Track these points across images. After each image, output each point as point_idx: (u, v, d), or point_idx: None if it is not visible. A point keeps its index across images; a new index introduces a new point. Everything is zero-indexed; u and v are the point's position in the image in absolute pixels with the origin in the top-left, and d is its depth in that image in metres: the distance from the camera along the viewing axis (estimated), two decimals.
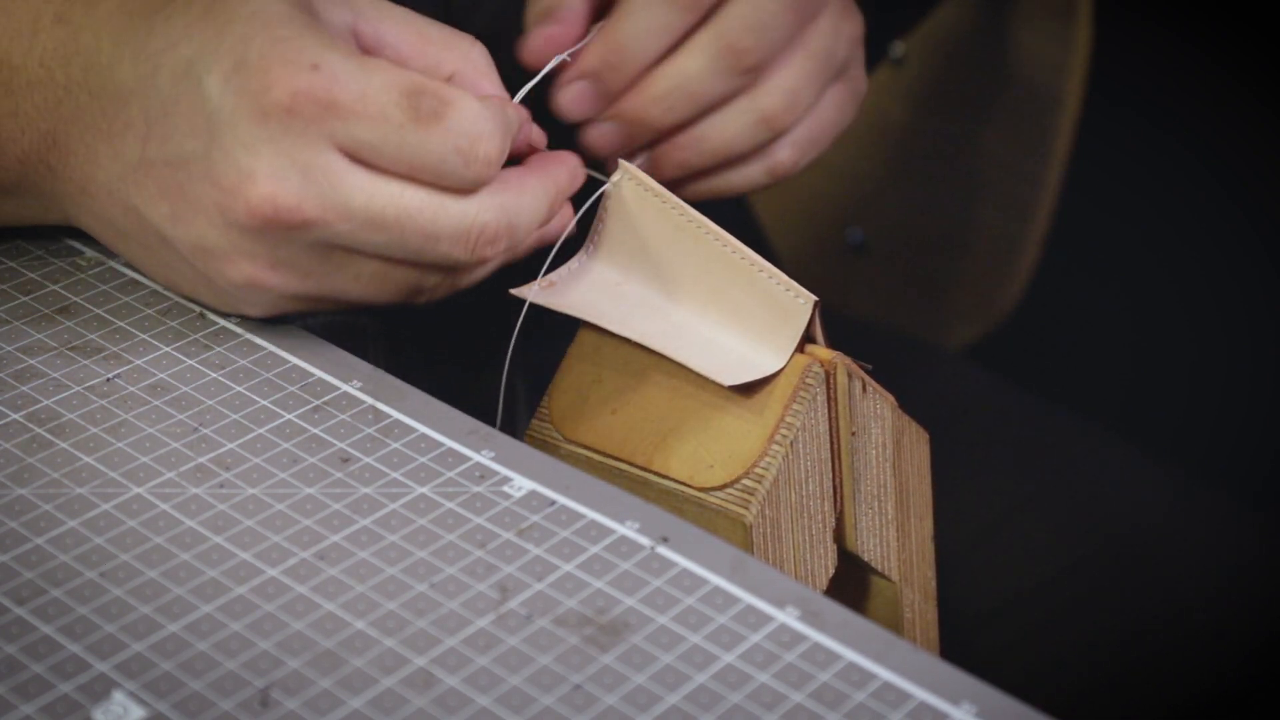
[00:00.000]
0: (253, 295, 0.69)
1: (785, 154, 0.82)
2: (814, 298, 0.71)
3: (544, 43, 0.77)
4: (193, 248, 0.68)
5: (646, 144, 0.79)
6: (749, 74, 0.79)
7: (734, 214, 1.10)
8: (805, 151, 0.82)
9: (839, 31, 0.83)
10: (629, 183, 0.74)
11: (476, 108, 0.67)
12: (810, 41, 0.81)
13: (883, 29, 0.87)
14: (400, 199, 0.66)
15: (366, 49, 0.70)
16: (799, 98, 0.81)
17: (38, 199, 0.72)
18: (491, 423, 0.69)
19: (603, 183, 0.74)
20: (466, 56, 0.70)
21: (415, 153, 0.66)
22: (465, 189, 0.67)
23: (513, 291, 0.72)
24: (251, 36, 0.65)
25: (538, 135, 0.73)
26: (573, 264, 0.74)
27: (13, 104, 0.70)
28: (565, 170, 0.72)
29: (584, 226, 0.74)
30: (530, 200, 0.70)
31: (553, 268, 0.74)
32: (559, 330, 0.75)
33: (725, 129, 0.79)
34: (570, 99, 0.77)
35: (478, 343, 0.91)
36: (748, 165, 0.81)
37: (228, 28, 0.66)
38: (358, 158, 0.66)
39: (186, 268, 0.70)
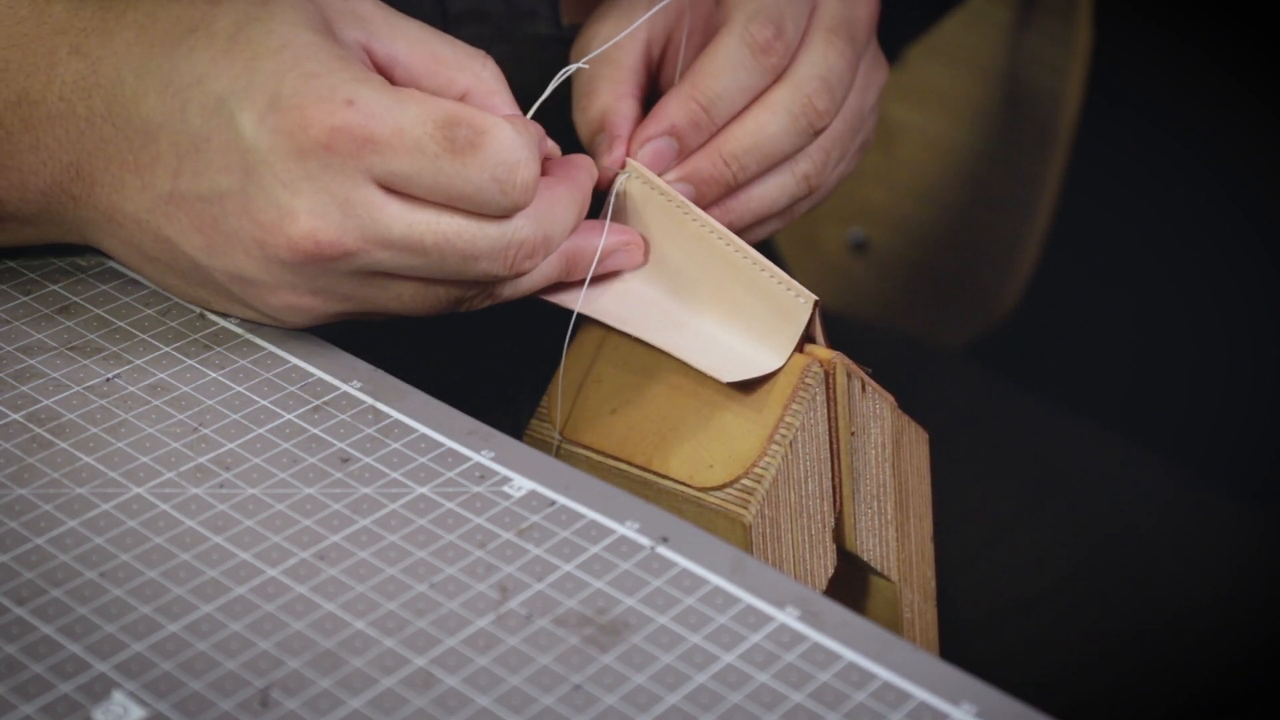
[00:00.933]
0: (292, 316, 0.70)
1: (802, 207, 0.82)
2: (814, 297, 0.71)
3: (613, 165, 0.77)
4: (230, 277, 0.69)
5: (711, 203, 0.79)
6: (819, 135, 0.79)
7: None
8: (816, 205, 0.83)
9: (869, 84, 0.83)
10: (635, 181, 0.74)
11: (511, 135, 0.67)
12: (848, 99, 0.81)
13: (886, 45, 0.87)
14: (438, 225, 0.67)
15: (379, 67, 0.70)
16: (832, 157, 0.81)
17: (59, 226, 0.72)
18: (486, 418, 0.69)
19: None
20: (478, 76, 0.71)
21: (452, 183, 0.66)
22: (503, 215, 0.68)
23: None
24: (283, 73, 0.66)
25: (552, 146, 0.73)
26: None
27: (33, 138, 0.70)
28: (586, 173, 0.72)
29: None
30: (562, 210, 0.70)
31: None
32: (558, 330, 0.75)
33: (769, 191, 0.79)
34: (652, 155, 0.76)
35: (475, 338, 0.91)
36: (772, 220, 0.82)
37: (256, 63, 0.66)
38: (395, 189, 0.66)
39: (222, 291, 0.70)
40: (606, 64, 0.78)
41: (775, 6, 0.78)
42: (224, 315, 0.73)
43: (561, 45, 0.85)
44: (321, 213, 0.66)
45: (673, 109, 0.76)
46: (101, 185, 0.69)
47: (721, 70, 0.77)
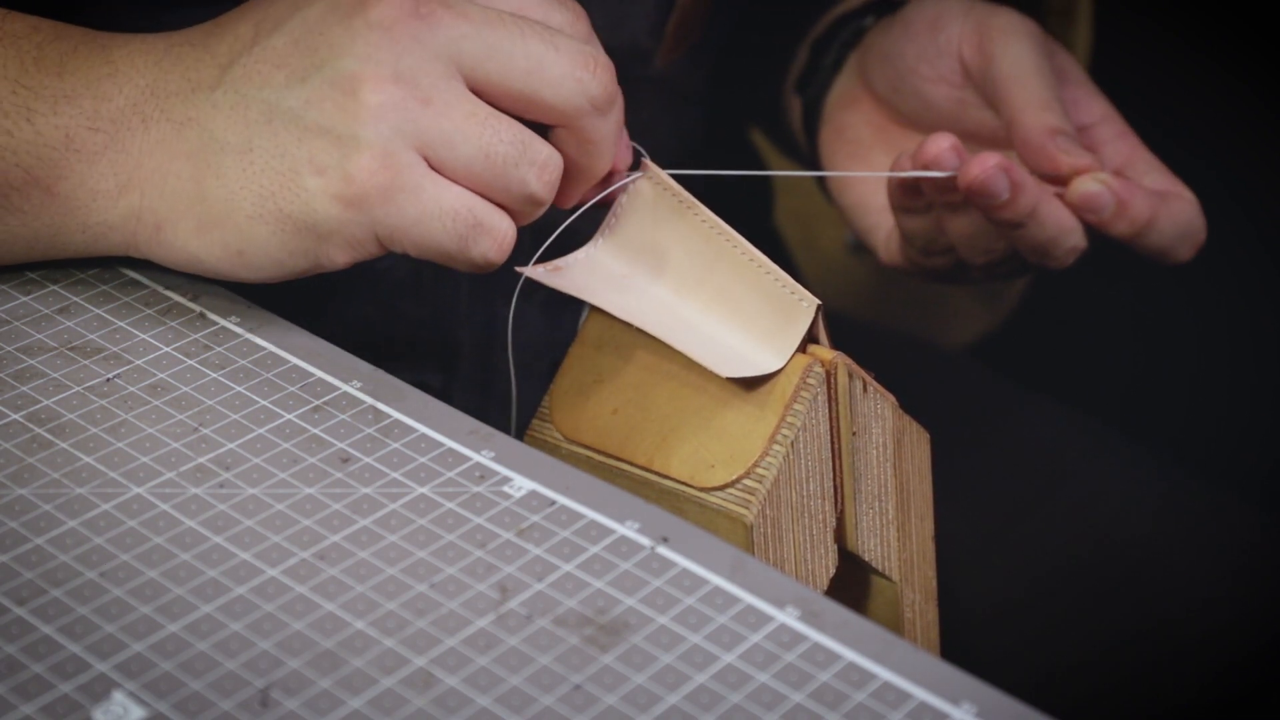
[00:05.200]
0: (368, 130, 0.67)
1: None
2: (817, 301, 0.71)
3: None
4: (310, 98, 0.68)
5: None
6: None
7: (753, 218, 1.12)
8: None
9: None
10: (647, 180, 0.74)
11: None
12: None
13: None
14: (517, 18, 0.68)
15: None
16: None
17: (114, 170, 0.70)
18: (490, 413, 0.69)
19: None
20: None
21: None
22: (569, 30, 0.69)
23: (518, 269, 0.72)
24: None
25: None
26: (579, 254, 0.74)
27: (112, 68, 0.71)
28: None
29: (595, 220, 0.74)
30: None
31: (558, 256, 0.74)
32: (560, 329, 0.75)
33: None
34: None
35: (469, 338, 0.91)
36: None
37: None
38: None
39: (289, 151, 0.68)
40: None
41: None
42: (224, 315, 0.73)
43: (649, 86, 0.86)
44: None
45: (1143, 201, 0.87)
46: (176, 94, 0.70)
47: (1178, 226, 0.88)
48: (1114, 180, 0.89)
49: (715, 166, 0.80)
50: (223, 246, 0.70)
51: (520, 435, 0.73)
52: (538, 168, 0.68)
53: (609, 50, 0.71)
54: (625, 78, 0.72)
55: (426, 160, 0.67)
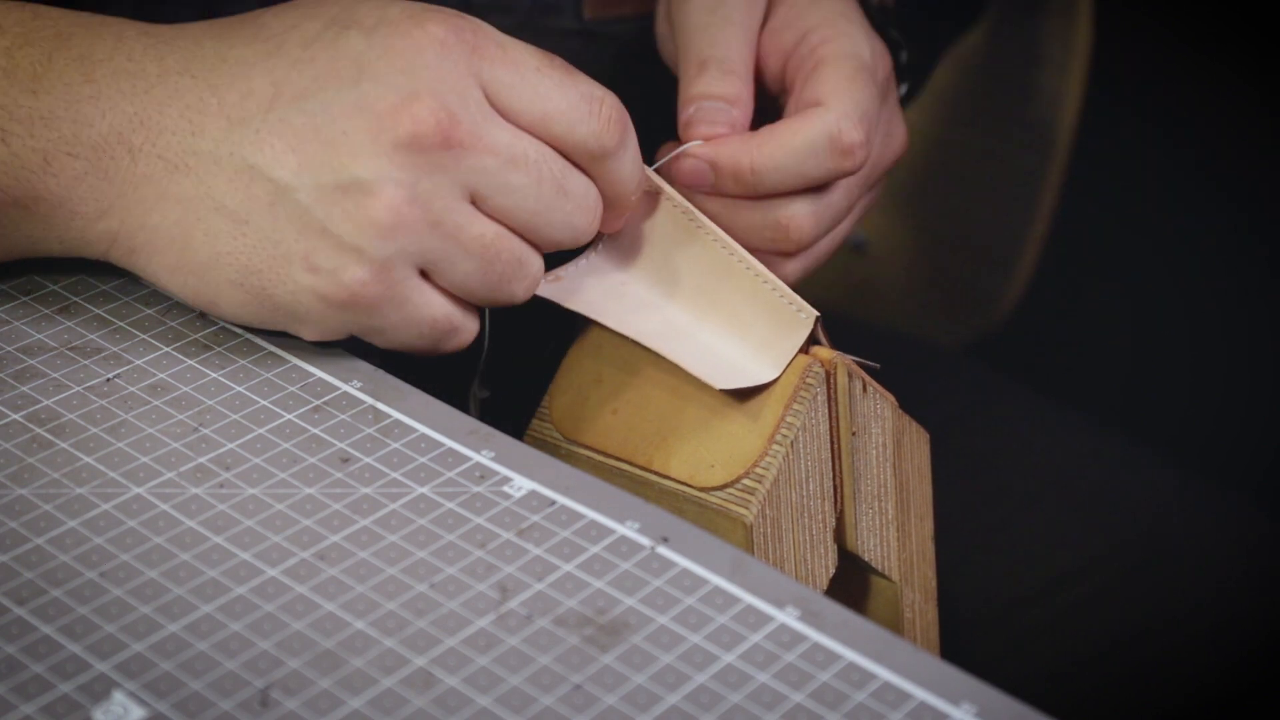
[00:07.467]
0: (373, 246, 0.67)
1: (792, 266, 0.82)
2: (815, 313, 0.71)
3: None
4: (320, 194, 0.67)
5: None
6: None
7: None
8: (810, 266, 0.83)
9: (885, 150, 0.84)
10: (647, 189, 0.74)
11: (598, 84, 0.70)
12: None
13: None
14: (537, 146, 0.68)
15: None
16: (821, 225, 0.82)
17: (94, 198, 0.69)
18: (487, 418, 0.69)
19: None
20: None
21: (549, 95, 0.68)
22: (593, 141, 0.69)
23: None
24: (388, 4, 0.68)
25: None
26: (580, 261, 0.74)
27: (94, 89, 0.69)
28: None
29: None
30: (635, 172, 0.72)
31: (561, 264, 0.74)
32: (559, 330, 0.75)
33: (738, 224, 0.79)
34: (690, 172, 0.78)
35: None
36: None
37: (357, 5, 0.69)
38: (498, 101, 0.68)
39: (287, 241, 0.67)
40: (720, 51, 0.80)
41: (871, 114, 0.79)
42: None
43: (584, 39, 0.85)
44: (442, 96, 0.67)
45: (730, 151, 0.78)
46: (172, 132, 0.68)
47: (794, 150, 0.77)
48: None
49: None
50: (195, 292, 0.70)
51: (482, 415, 0.73)
52: (529, 281, 0.70)
53: (513, 8, 0.71)
54: (543, 30, 0.73)
55: (421, 271, 0.68)
